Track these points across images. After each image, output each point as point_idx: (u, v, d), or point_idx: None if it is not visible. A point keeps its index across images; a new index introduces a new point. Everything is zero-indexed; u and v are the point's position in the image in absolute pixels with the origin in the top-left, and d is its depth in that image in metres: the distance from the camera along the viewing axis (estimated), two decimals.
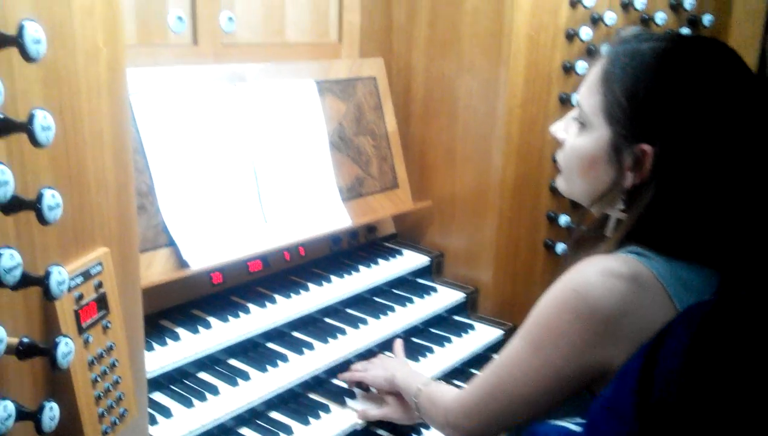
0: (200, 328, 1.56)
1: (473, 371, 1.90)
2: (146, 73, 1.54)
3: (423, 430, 1.65)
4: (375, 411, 1.57)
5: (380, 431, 1.62)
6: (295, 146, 1.84)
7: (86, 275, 0.89)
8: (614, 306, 1.00)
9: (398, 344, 1.75)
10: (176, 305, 1.60)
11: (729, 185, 1.04)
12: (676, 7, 2.20)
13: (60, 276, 0.75)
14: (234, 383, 1.49)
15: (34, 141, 0.68)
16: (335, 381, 1.68)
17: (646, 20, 2.12)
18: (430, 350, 1.87)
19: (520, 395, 1.12)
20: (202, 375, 1.52)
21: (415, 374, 1.54)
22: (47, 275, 0.73)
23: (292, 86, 1.85)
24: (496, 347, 2.01)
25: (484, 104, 2.07)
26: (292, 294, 1.78)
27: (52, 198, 0.71)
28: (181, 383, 1.48)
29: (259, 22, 1.91)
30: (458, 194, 2.18)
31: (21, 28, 0.65)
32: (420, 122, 2.24)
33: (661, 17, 2.13)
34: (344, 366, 1.69)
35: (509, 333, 2.05)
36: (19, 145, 0.74)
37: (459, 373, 1.88)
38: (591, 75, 1.16)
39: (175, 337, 1.52)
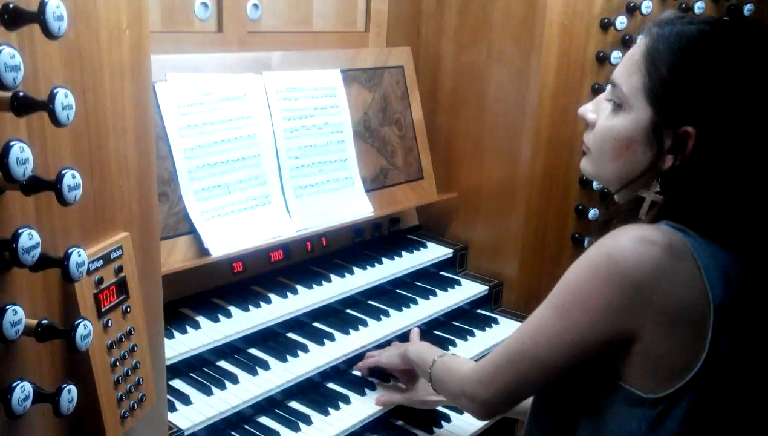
0: (221, 316, 1.58)
1: None
2: (171, 60, 1.55)
3: (443, 422, 1.64)
4: (394, 396, 1.58)
5: (399, 422, 1.62)
6: (320, 136, 1.84)
7: (106, 259, 0.90)
8: (647, 272, 1.00)
9: (414, 333, 1.74)
10: (197, 293, 1.62)
11: (766, 167, 1.04)
12: None
13: (79, 258, 0.76)
14: (253, 372, 1.51)
15: (55, 120, 0.68)
16: (355, 372, 1.68)
17: (685, 9, 2.07)
18: (453, 343, 1.86)
19: (541, 359, 1.11)
20: (222, 363, 1.54)
21: (430, 348, 1.52)
22: (66, 256, 0.74)
23: (317, 75, 1.85)
24: None
25: (514, 94, 2.04)
26: (313, 285, 1.79)
27: (72, 178, 0.72)
28: (201, 370, 1.50)
29: (284, 11, 1.91)
30: (484, 186, 2.16)
31: (43, 5, 0.66)
32: (447, 112, 2.22)
33: (699, 6, 2.07)
34: (363, 357, 1.69)
35: None
36: (40, 124, 0.75)
37: None
38: (631, 55, 1.13)
39: (196, 325, 1.54)
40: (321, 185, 1.82)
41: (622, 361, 1.06)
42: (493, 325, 1.99)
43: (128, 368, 0.96)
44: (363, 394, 1.60)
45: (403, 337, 1.80)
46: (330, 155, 1.85)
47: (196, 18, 1.65)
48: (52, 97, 0.68)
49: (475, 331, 1.94)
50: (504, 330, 1.97)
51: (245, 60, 1.71)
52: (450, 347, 1.84)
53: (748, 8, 2.19)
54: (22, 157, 0.66)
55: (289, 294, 1.73)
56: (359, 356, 1.68)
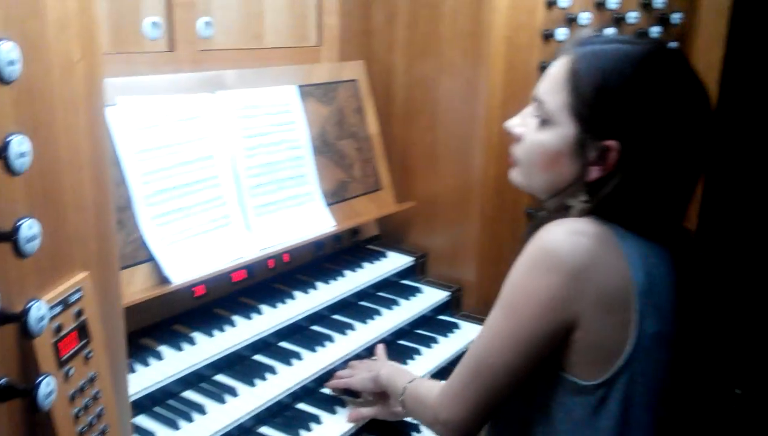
0: (184, 344, 1.48)
1: None
2: (122, 83, 1.45)
3: (413, 433, 1.60)
4: (364, 411, 1.52)
5: None
6: (278, 152, 1.76)
7: (65, 303, 0.81)
8: (580, 260, 1.03)
9: (380, 349, 1.69)
10: (157, 322, 1.51)
11: (681, 172, 1.10)
12: (646, 6, 2.19)
13: (39, 312, 0.67)
14: (221, 400, 1.42)
15: (10, 170, 0.60)
16: (324, 390, 1.62)
17: (619, 19, 2.10)
18: (418, 352, 1.81)
19: (502, 365, 1.11)
20: (188, 394, 1.43)
21: (400, 372, 1.49)
22: (25, 311, 0.66)
23: (272, 92, 1.77)
24: None
25: (465, 105, 2.02)
26: (277, 303, 1.71)
27: (29, 229, 0.64)
28: (166, 403, 1.39)
29: (237, 27, 1.82)
30: (441, 194, 2.13)
31: None
32: (401, 124, 2.18)
33: (633, 16, 2.11)
34: (333, 374, 1.63)
35: None
36: None
37: (447, 372, 1.82)
38: (553, 73, 1.15)
39: (158, 356, 1.44)
40: (282, 202, 1.75)
41: (563, 352, 1.08)
42: (455, 330, 1.96)
43: (92, 416, 0.87)
44: (334, 412, 1.53)
45: (370, 350, 1.74)
46: (289, 172, 1.78)
47: (146, 38, 1.55)
48: (5, 146, 0.60)
49: (439, 337, 1.90)
50: (466, 334, 1.94)
51: (199, 79, 1.61)
52: (415, 356, 1.80)
53: (676, 17, 2.25)
54: None
55: (253, 315, 1.64)
56: (328, 374, 1.61)
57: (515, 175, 1.25)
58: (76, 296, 0.84)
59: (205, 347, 1.49)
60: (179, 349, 1.47)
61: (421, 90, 2.11)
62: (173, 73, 1.59)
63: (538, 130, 1.15)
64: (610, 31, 2.05)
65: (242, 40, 1.86)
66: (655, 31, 2.17)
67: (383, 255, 2.10)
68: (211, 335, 1.54)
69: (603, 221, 1.09)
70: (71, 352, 0.82)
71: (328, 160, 1.93)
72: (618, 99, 1.06)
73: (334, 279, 1.89)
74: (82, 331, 0.85)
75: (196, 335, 1.52)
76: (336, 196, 1.94)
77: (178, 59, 1.64)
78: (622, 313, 1.05)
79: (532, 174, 1.19)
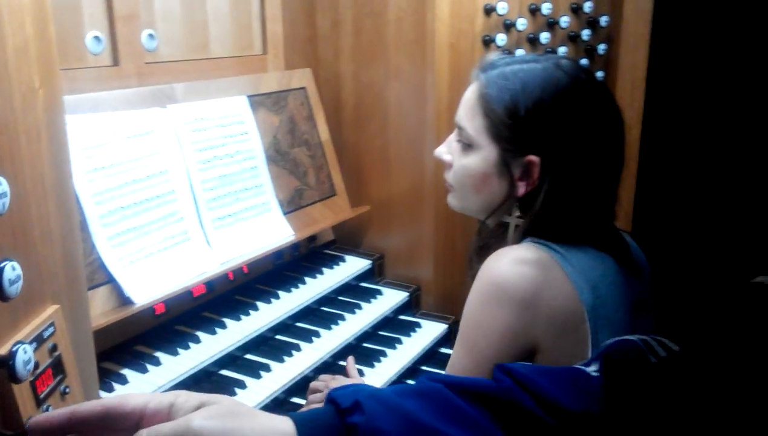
0: (148, 365, 1.42)
1: (425, 368, 1.88)
2: (68, 101, 1.36)
3: None
4: None
5: None
6: (232, 164, 1.72)
7: (39, 340, 0.77)
8: (528, 289, 1.05)
9: (350, 363, 1.65)
10: (118, 344, 1.44)
11: (601, 172, 1.14)
12: (576, 11, 2.27)
13: (25, 355, 0.63)
14: None
15: None
16: (294, 399, 1.59)
17: (553, 24, 2.18)
18: (384, 354, 1.81)
19: None
20: None
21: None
22: (11, 355, 0.61)
23: (223, 103, 1.73)
24: (442, 341, 1.99)
25: (414, 109, 2.04)
26: (241, 315, 1.67)
27: (12, 271, 0.60)
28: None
29: (181, 39, 1.76)
30: (394, 197, 2.14)
31: None
32: (352, 129, 2.17)
33: (565, 20, 2.19)
34: (302, 384, 1.61)
35: (453, 325, 2.05)
36: None
37: (412, 372, 1.84)
38: (467, 99, 1.20)
39: (122, 380, 1.37)
40: (239, 214, 1.71)
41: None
42: (417, 329, 1.97)
43: None
44: None
45: (338, 356, 1.73)
46: (245, 183, 1.74)
47: (89, 52, 1.47)
48: None
49: (402, 338, 1.91)
50: (427, 333, 1.95)
51: (148, 94, 1.55)
52: (382, 358, 1.79)
53: (604, 20, 2.34)
54: None
55: (217, 329, 1.60)
56: (297, 384, 1.58)
57: (451, 200, 1.28)
58: (49, 331, 0.79)
59: (171, 366, 1.44)
60: (144, 371, 1.41)
61: (370, 96, 2.11)
62: (119, 88, 1.52)
63: (464, 154, 1.19)
64: (545, 35, 2.12)
65: (187, 51, 1.80)
66: (585, 33, 2.25)
67: (341, 259, 2.09)
68: (176, 353, 1.48)
69: (542, 242, 1.10)
70: (48, 390, 0.77)
71: (282, 169, 1.91)
72: (528, 116, 1.10)
73: (296, 287, 1.87)
74: (57, 366, 0.80)
75: (161, 355, 1.46)
76: (292, 205, 1.91)
77: (124, 74, 1.57)
78: (575, 332, 1.07)
79: (466, 197, 1.23)
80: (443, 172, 1.28)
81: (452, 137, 1.24)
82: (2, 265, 0.59)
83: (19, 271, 0.61)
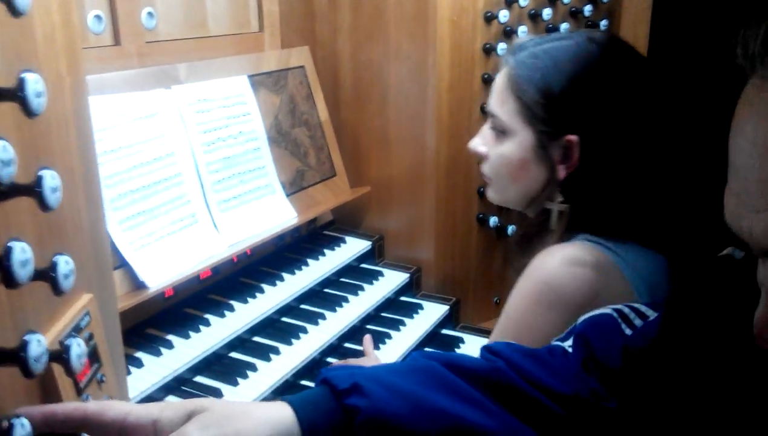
0: (162, 349, 1.42)
1: (428, 350, 1.91)
2: None
3: None
4: None
5: None
6: (236, 145, 1.71)
7: (77, 330, 0.77)
8: (584, 294, 1.01)
9: (368, 341, 1.67)
10: (131, 327, 1.44)
11: (649, 158, 1.09)
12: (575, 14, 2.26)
13: (79, 348, 0.63)
14: None
15: (45, 206, 0.55)
16: (304, 382, 1.61)
17: (554, 1, 2.17)
18: (389, 336, 1.84)
19: None
20: (171, 399, 1.39)
21: None
22: (66, 347, 0.61)
23: (226, 83, 1.71)
24: (443, 322, 2.03)
25: (415, 88, 2.03)
26: (248, 298, 1.67)
27: (66, 265, 0.59)
28: None
29: (179, 17, 1.73)
30: (394, 177, 2.14)
31: (22, 81, 0.52)
32: (351, 109, 2.16)
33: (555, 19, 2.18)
34: (311, 366, 1.62)
35: (454, 307, 2.07)
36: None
37: None
38: (497, 85, 1.16)
39: (138, 363, 1.37)
40: (244, 196, 1.70)
41: None
42: (419, 311, 2.00)
43: None
44: None
45: (344, 338, 1.76)
46: (248, 164, 1.73)
47: (91, 32, 1.44)
48: (39, 181, 0.55)
49: (405, 320, 1.93)
50: (430, 314, 1.98)
51: (152, 75, 1.52)
52: (387, 340, 1.81)
53: (603, 24, 2.35)
54: (24, 257, 0.53)
55: (226, 312, 1.60)
56: (307, 367, 1.59)
57: (490, 193, 1.24)
58: (86, 321, 0.79)
59: (184, 350, 1.44)
60: (158, 354, 1.41)
61: (370, 74, 2.09)
62: (122, 68, 1.49)
63: (499, 143, 1.16)
64: (547, 11, 2.12)
65: (186, 30, 1.76)
66: (587, 9, 2.25)
67: (342, 241, 2.10)
68: (187, 336, 1.48)
69: (597, 241, 1.05)
70: (87, 379, 0.78)
71: (283, 150, 1.89)
72: (563, 94, 1.06)
73: (299, 269, 1.87)
74: (94, 356, 0.80)
75: (173, 338, 1.46)
76: (294, 186, 1.91)
77: (125, 53, 1.53)
78: None
79: (505, 188, 1.19)
80: (480, 166, 1.24)
81: (486, 128, 1.21)
82: (56, 259, 0.58)
83: (72, 265, 0.60)
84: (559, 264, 1.03)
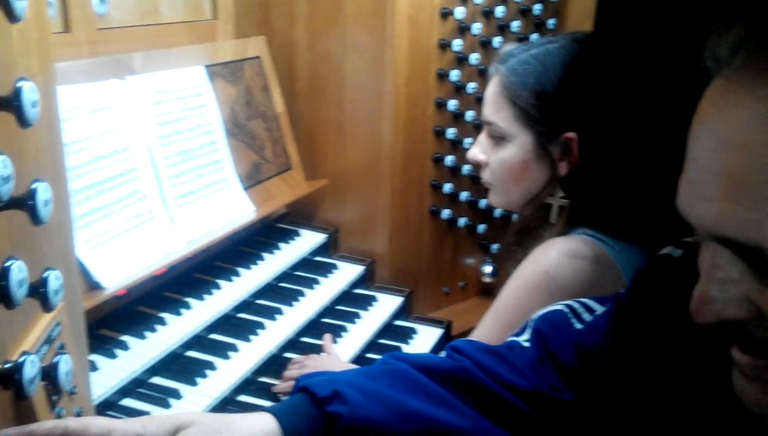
0: (117, 351, 1.38)
1: (383, 341, 1.94)
2: None
3: None
4: None
5: None
6: (193, 138, 1.66)
7: (49, 341, 0.74)
8: (582, 285, 1.06)
9: (328, 340, 1.68)
10: None
11: (646, 148, 1.13)
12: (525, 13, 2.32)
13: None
14: (165, 405, 1.34)
15: (37, 219, 0.53)
16: (263, 379, 1.60)
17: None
18: (344, 329, 1.85)
19: None
20: (127, 402, 1.34)
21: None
22: (17, 367, 0.58)
23: (182, 74, 1.65)
24: (398, 313, 2.06)
25: (372, 82, 2.03)
26: (204, 295, 1.64)
27: (56, 280, 0.57)
28: (105, 415, 1.30)
29: (132, 3, 1.65)
30: (350, 170, 2.15)
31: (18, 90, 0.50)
32: (307, 101, 2.14)
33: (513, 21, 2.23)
34: (271, 362, 1.62)
35: (408, 299, 2.11)
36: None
37: (371, 346, 1.90)
38: (490, 94, 1.20)
39: (92, 366, 1.33)
40: (201, 191, 1.66)
41: None
42: (373, 303, 2.01)
43: None
44: (277, 400, 1.54)
45: (302, 333, 1.75)
46: (205, 158, 1.69)
47: None
48: (32, 193, 0.52)
49: (360, 312, 1.94)
50: (384, 306, 1.99)
51: (106, 64, 1.46)
52: (343, 333, 1.83)
53: (551, 22, 2.42)
54: (20, 277, 0.50)
55: (182, 310, 1.56)
56: (266, 363, 1.59)
57: (493, 198, 1.27)
58: (57, 330, 0.76)
59: (140, 351, 1.41)
60: (113, 356, 1.37)
61: (326, 67, 2.08)
62: (72, 56, 1.42)
63: (498, 149, 1.19)
64: (500, 9, 2.16)
65: (138, 16, 1.69)
66: (536, 8, 2.31)
67: (296, 234, 2.09)
68: (143, 336, 1.45)
69: (596, 236, 1.09)
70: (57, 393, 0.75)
71: (240, 143, 1.86)
72: (557, 94, 1.11)
73: (255, 263, 1.85)
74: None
75: (128, 339, 1.42)
76: (251, 180, 1.88)
77: (76, 41, 1.46)
78: None
79: (507, 191, 1.23)
80: (480, 174, 1.28)
81: (482, 137, 1.24)
82: (46, 275, 0.56)
83: (61, 279, 0.58)
84: (560, 255, 1.08)
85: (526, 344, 0.98)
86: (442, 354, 0.98)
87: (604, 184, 1.14)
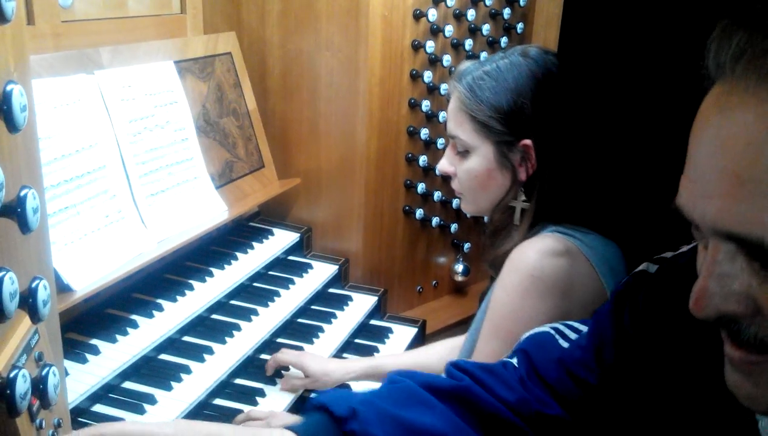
0: (88, 355, 1.32)
1: (359, 341, 1.92)
2: None
3: None
4: (298, 383, 1.54)
5: None
6: (163, 136, 1.60)
7: (28, 350, 0.69)
8: (566, 279, 1.12)
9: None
10: None
11: (597, 149, 1.22)
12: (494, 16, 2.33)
13: (24, 384, 0.56)
14: (140, 411, 1.29)
15: (26, 227, 0.49)
16: (240, 381, 1.57)
17: (477, 1, 2.23)
18: (321, 330, 1.82)
19: None
20: (99, 408, 1.29)
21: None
22: (10, 382, 0.54)
23: (151, 69, 1.59)
24: (373, 313, 2.05)
25: (346, 81, 2.01)
26: (176, 296, 1.59)
27: (44, 290, 0.53)
28: (77, 422, 1.24)
29: None
30: (323, 169, 2.11)
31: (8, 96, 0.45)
32: (279, 98, 2.10)
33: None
34: (247, 364, 1.58)
35: (382, 298, 2.10)
36: None
37: (348, 346, 1.88)
38: (452, 110, 1.28)
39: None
40: (171, 189, 1.60)
41: None
42: (348, 303, 1.99)
43: None
44: (255, 403, 1.49)
45: (277, 334, 1.72)
46: (176, 155, 1.63)
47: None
48: (21, 201, 0.48)
49: (336, 312, 1.92)
50: (359, 306, 1.97)
51: (73, 58, 1.39)
52: (320, 334, 1.80)
53: (520, 26, 2.45)
54: (11, 289, 0.47)
55: (154, 312, 1.51)
56: (242, 365, 1.55)
57: (465, 206, 1.35)
58: (36, 339, 0.72)
59: (111, 355, 1.35)
60: (84, 361, 1.30)
61: (299, 65, 2.04)
62: (36, 49, 1.35)
63: (464, 160, 1.27)
64: (471, 12, 2.17)
65: (105, 9, 1.63)
66: (506, 12, 2.33)
67: (270, 233, 2.05)
68: (114, 340, 1.39)
69: (562, 231, 1.16)
70: (38, 404, 0.71)
71: (212, 141, 1.81)
72: (511, 107, 1.19)
73: (228, 263, 1.80)
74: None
75: (98, 343, 1.36)
76: (223, 178, 1.83)
77: (39, 33, 1.38)
78: None
79: (476, 198, 1.30)
80: (450, 184, 1.35)
81: (449, 149, 1.32)
82: (35, 285, 0.52)
83: (49, 290, 0.54)
84: (539, 257, 1.13)
85: (518, 365, 1.00)
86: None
87: (561, 183, 1.20)
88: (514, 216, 1.27)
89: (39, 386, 0.56)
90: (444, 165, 1.35)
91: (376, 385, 1.67)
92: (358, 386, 1.68)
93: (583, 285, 1.13)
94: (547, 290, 1.11)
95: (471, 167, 1.26)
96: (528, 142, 1.20)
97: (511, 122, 1.19)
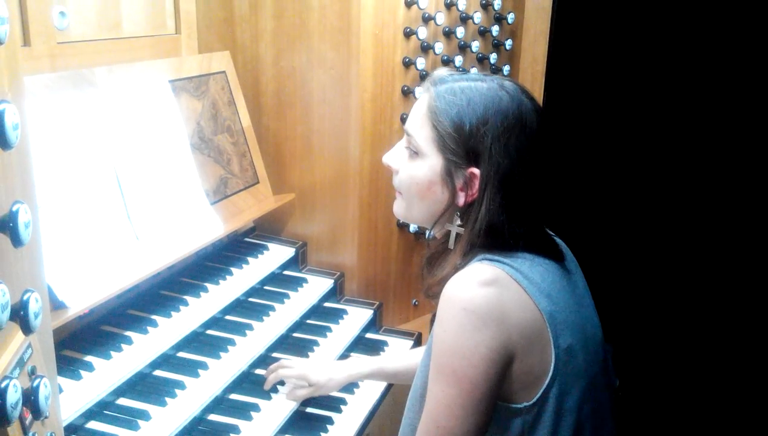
0: (82, 372, 1.32)
1: (355, 354, 1.92)
2: None
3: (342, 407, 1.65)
4: (301, 392, 1.55)
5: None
6: (158, 154, 1.61)
7: (21, 364, 0.70)
8: (497, 307, 1.09)
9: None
10: None
11: (537, 189, 1.19)
12: (486, 7, 2.38)
13: (15, 394, 0.57)
14: (134, 427, 1.29)
15: (18, 241, 0.50)
16: (234, 396, 1.57)
17: (466, 19, 2.26)
18: (316, 343, 1.83)
19: (469, 427, 1.11)
20: (93, 425, 1.28)
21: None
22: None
23: (146, 89, 1.61)
24: (368, 326, 2.05)
25: (338, 98, 2.03)
26: (171, 312, 1.59)
27: (36, 303, 0.54)
28: None
29: (93, 17, 1.61)
30: (318, 184, 2.13)
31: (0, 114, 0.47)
32: (273, 115, 2.12)
33: (477, 16, 2.29)
34: (242, 379, 1.58)
35: (378, 311, 2.11)
36: None
37: (342, 359, 1.88)
38: (417, 109, 1.23)
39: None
40: (166, 205, 1.62)
41: (502, 384, 1.12)
42: (344, 316, 2.00)
43: None
44: (250, 418, 1.50)
45: (272, 348, 1.72)
46: (171, 173, 1.65)
47: None
48: (13, 216, 0.50)
49: (331, 326, 1.92)
50: (354, 320, 1.98)
51: (69, 78, 1.40)
52: (315, 348, 1.80)
53: (511, 17, 2.49)
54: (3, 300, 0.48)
55: (149, 328, 1.51)
56: (237, 380, 1.56)
57: (397, 208, 1.29)
58: (29, 353, 0.73)
59: (106, 372, 1.35)
60: (78, 377, 1.30)
61: (293, 82, 2.07)
62: (32, 70, 1.37)
63: (411, 162, 1.22)
64: (461, 30, 2.20)
65: (100, 30, 1.65)
66: (495, 29, 2.37)
67: (264, 248, 2.06)
68: (108, 357, 1.39)
69: (493, 259, 1.13)
70: (30, 416, 0.72)
71: (206, 157, 1.83)
72: (471, 131, 1.14)
73: (223, 278, 1.81)
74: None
75: (93, 360, 1.36)
76: (218, 194, 1.84)
77: (36, 55, 1.41)
78: (540, 339, 1.11)
79: (411, 204, 1.24)
80: (392, 178, 1.29)
81: (401, 144, 1.26)
82: (26, 298, 0.53)
83: (41, 302, 0.56)
84: (469, 288, 1.10)
85: None
86: None
87: (496, 220, 1.16)
88: (449, 241, 1.24)
89: (30, 397, 0.57)
90: (390, 159, 1.28)
91: (380, 385, 1.71)
92: (364, 386, 1.71)
93: (517, 309, 1.10)
94: (482, 322, 1.08)
95: (415, 173, 1.21)
96: (476, 171, 1.15)
97: (466, 147, 1.15)
